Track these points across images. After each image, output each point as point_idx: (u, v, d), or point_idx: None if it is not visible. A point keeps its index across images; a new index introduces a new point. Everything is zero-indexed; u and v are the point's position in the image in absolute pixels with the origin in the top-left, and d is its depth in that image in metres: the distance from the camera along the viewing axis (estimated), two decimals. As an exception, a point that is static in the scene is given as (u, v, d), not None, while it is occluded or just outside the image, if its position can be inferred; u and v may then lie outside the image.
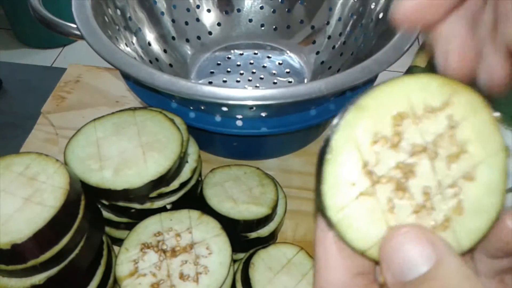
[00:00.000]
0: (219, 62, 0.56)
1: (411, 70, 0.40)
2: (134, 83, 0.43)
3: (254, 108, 0.38)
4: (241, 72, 0.55)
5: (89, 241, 0.33)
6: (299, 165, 0.49)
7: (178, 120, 0.38)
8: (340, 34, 0.53)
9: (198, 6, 0.57)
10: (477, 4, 0.18)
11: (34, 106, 0.54)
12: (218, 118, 0.40)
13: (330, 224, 0.16)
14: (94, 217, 0.34)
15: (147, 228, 0.34)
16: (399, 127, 0.16)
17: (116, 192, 0.33)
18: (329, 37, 0.54)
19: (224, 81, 0.54)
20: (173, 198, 0.37)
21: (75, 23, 0.40)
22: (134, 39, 0.50)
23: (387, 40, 0.39)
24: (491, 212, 0.17)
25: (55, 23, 0.42)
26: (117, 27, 0.47)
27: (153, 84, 0.35)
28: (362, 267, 0.17)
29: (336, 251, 0.17)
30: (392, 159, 0.16)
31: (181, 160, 0.36)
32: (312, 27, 0.56)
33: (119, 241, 0.38)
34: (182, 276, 0.32)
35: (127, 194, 0.34)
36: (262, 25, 0.59)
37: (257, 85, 0.53)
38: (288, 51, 0.57)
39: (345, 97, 0.41)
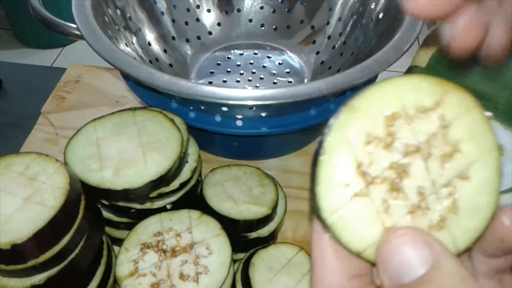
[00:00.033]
0: (219, 62, 0.56)
1: (411, 70, 0.40)
2: (134, 83, 0.43)
3: (254, 108, 0.38)
4: (241, 72, 0.55)
5: (89, 241, 0.33)
6: (299, 165, 0.49)
7: (178, 120, 0.38)
8: (340, 34, 0.53)
9: (198, 6, 0.57)
10: None
11: (34, 106, 0.54)
12: (218, 118, 0.40)
13: (325, 226, 0.16)
14: (94, 217, 0.34)
15: (147, 228, 0.34)
16: (392, 128, 0.16)
17: (116, 192, 0.33)
18: (329, 37, 0.54)
19: (224, 81, 0.54)
20: (173, 198, 0.37)
21: (75, 23, 0.40)
22: (134, 39, 0.50)
23: (387, 40, 0.39)
24: (486, 211, 0.17)
25: (55, 23, 0.42)
26: (117, 27, 0.47)
27: (153, 84, 0.35)
28: (358, 269, 0.17)
29: (332, 253, 0.17)
30: (386, 159, 0.16)
31: (181, 160, 0.36)
32: (312, 27, 0.56)
33: (119, 241, 0.38)
34: (182, 276, 0.32)
35: (127, 194, 0.34)
36: (262, 25, 0.59)
37: (257, 85, 0.53)
38: (288, 51, 0.57)
39: (345, 97, 0.41)
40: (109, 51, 0.37)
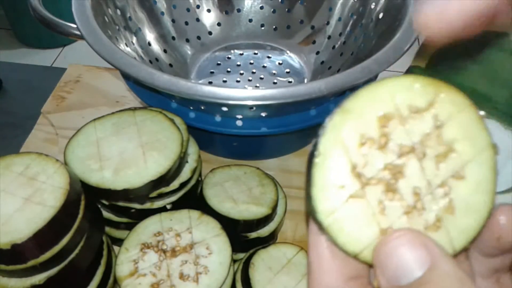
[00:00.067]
0: (219, 62, 0.56)
1: (411, 70, 0.40)
2: (134, 83, 0.43)
3: (254, 108, 0.38)
4: (241, 72, 0.55)
5: (89, 241, 0.33)
6: (299, 165, 0.49)
7: (178, 120, 0.38)
8: (340, 34, 0.53)
9: (198, 6, 0.57)
10: None
11: (34, 106, 0.54)
12: (218, 118, 0.40)
13: (321, 228, 0.16)
14: (94, 217, 0.34)
15: (147, 228, 0.34)
16: (386, 129, 0.16)
17: (116, 192, 0.33)
18: (329, 37, 0.54)
19: (224, 81, 0.54)
20: (173, 198, 0.37)
21: (75, 23, 0.40)
22: (134, 39, 0.50)
23: (387, 40, 0.39)
24: (482, 210, 0.17)
25: (55, 23, 0.42)
26: (117, 27, 0.47)
27: (153, 84, 0.35)
28: (355, 270, 0.17)
29: (329, 255, 0.17)
30: (380, 160, 0.16)
31: (181, 160, 0.36)
32: (312, 27, 0.56)
33: (119, 241, 0.38)
34: (182, 276, 0.32)
35: (127, 194, 0.34)
36: (262, 25, 0.59)
37: (257, 85, 0.53)
38: (288, 51, 0.57)
39: (345, 97, 0.41)
40: (109, 51, 0.37)
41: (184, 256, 0.33)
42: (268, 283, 0.35)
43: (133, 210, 0.36)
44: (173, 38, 0.55)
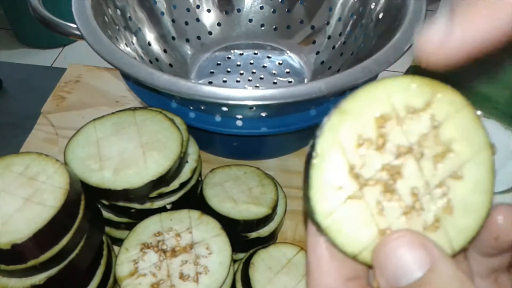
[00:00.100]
0: (219, 62, 0.56)
1: (411, 70, 0.40)
2: (134, 83, 0.43)
3: (254, 108, 0.38)
4: (241, 72, 0.55)
5: (89, 241, 0.33)
6: (299, 165, 0.49)
7: (178, 120, 0.38)
8: (340, 34, 0.53)
9: (198, 6, 0.57)
10: None
11: (34, 106, 0.54)
12: (218, 118, 0.40)
13: (320, 229, 0.16)
14: (94, 217, 0.34)
15: (147, 228, 0.34)
16: (383, 129, 0.16)
17: (116, 192, 0.33)
18: (329, 37, 0.54)
19: (224, 81, 0.54)
20: (173, 198, 0.37)
21: (75, 23, 0.40)
22: (134, 39, 0.50)
23: (387, 40, 0.39)
24: (481, 210, 0.17)
25: (55, 23, 0.42)
26: (117, 27, 0.47)
27: (153, 84, 0.35)
28: (354, 271, 0.17)
29: (327, 256, 0.17)
30: (378, 161, 0.16)
31: (181, 160, 0.36)
32: (312, 27, 0.56)
33: (119, 241, 0.38)
34: (182, 276, 0.32)
35: (127, 194, 0.34)
36: (262, 25, 0.59)
37: (257, 85, 0.53)
38: (288, 51, 0.57)
39: (344, 97, 0.41)
40: (109, 51, 0.37)
41: (184, 256, 0.33)
42: (268, 283, 0.35)
43: (133, 210, 0.36)
44: (173, 38, 0.55)
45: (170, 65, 0.53)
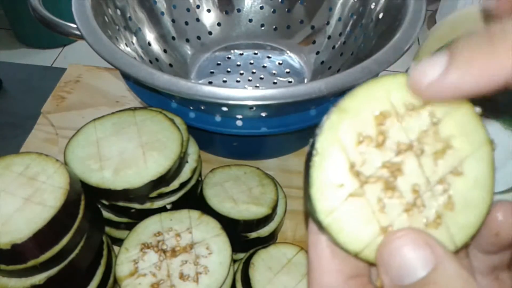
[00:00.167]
0: (219, 62, 0.56)
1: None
2: (134, 83, 0.43)
3: (254, 108, 0.38)
4: (241, 72, 0.55)
5: (89, 241, 0.33)
6: (299, 165, 0.49)
7: (178, 120, 0.38)
8: (340, 34, 0.53)
9: (198, 6, 0.57)
10: None
11: (34, 106, 0.54)
12: (218, 118, 0.40)
13: (321, 227, 0.16)
14: (94, 217, 0.34)
15: (147, 228, 0.34)
16: (383, 126, 0.16)
17: (116, 192, 0.33)
18: (329, 37, 0.54)
19: (224, 81, 0.54)
20: (173, 198, 0.37)
21: (75, 23, 0.40)
22: (134, 39, 0.50)
23: (387, 40, 0.39)
24: (482, 206, 0.17)
25: (55, 23, 0.42)
26: (117, 27, 0.47)
27: (153, 84, 0.35)
28: (356, 269, 0.17)
29: (329, 255, 0.17)
30: (378, 158, 0.16)
31: (181, 160, 0.36)
32: (312, 27, 0.56)
33: (119, 241, 0.38)
34: (182, 276, 0.32)
35: (127, 194, 0.34)
36: (262, 25, 0.59)
37: (257, 85, 0.53)
38: (288, 51, 0.57)
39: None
40: (109, 51, 0.37)
41: (184, 256, 0.33)
42: (268, 283, 0.35)
43: (133, 210, 0.36)
44: (173, 38, 0.55)
45: (170, 65, 0.53)
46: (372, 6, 0.48)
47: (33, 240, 0.28)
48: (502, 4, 0.18)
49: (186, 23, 0.56)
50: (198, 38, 0.57)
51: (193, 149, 0.39)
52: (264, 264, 0.36)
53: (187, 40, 0.56)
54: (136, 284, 0.31)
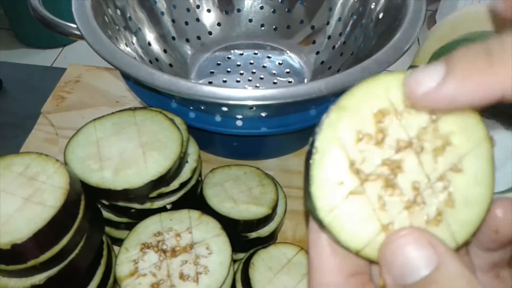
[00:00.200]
0: (219, 62, 0.56)
1: (411, 70, 0.40)
2: (134, 83, 0.43)
3: (254, 108, 0.38)
4: (241, 72, 0.55)
5: (89, 241, 0.33)
6: (299, 165, 0.49)
7: (178, 120, 0.38)
8: (340, 34, 0.53)
9: (198, 6, 0.57)
10: None
11: (34, 106, 0.54)
12: (218, 118, 0.40)
13: (322, 226, 0.16)
14: (94, 217, 0.34)
15: (147, 228, 0.34)
16: (382, 124, 0.16)
17: (116, 192, 0.33)
18: (329, 37, 0.54)
19: (224, 81, 0.54)
20: (173, 198, 0.37)
21: (75, 23, 0.40)
22: (134, 39, 0.50)
23: (387, 40, 0.39)
24: (482, 203, 0.17)
25: (55, 23, 0.42)
26: (117, 27, 0.47)
27: (153, 84, 0.35)
28: (356, 267, 0.17)
29: (329, 253, 0.17)
30: (378, 156, 0.16)
31: (181, 160, 0.36)
32: (312, 27, 0.56)
33: (119, 241, 0.38)
34: (182, 276, 0.32)
35: (127, 194, 0.34)
36: (262, 25, 0.59)
37: (257, 85, 0.53)
38: (288, 51, 0.57)
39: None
40: (109, 51, 0.37)
41: (184, 256, 0.33)
42: (268, 283, 0.35)
43: (133, 210, 0.36)
44: (173, 38, 0.55)
45: (170, 65, 0.53)
46: (372, 6, 0.48)
47: (33, 240, 0.28)
48: (510, 7, 0.18)
49: (186, 23, 0.56)
50: (198, 38, 0.57)
51: (193, 149, 0.39)
52: (264, 264, 0.36)
53: (187, 40, 0.56)
54: (136, 284, 0.31)
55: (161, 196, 0.36)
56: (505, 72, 0.14)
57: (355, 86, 0.17)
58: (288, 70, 0.55)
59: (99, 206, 0.37)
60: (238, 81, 0.54)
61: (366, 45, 0.48)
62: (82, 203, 0.32)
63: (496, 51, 0.14)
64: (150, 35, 0.52)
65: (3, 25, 1.69)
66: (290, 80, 0.54)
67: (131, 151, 0.35)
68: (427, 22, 1.66)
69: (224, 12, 0.58)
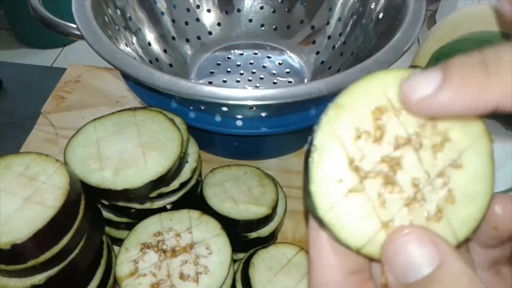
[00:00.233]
0: (219, 62, 0.56)
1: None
2: (134, 83, 0.43)
3: (254, 108, 0.38)
4: (241, 72, 0.55)
5: (89, 241, 0.33)
6: (299, 165, 0.49)
7: (178, 120, 0.38)
8: (340, 34, 0.53)
9: (198, 6, 0.57)
10: None
11: (34, 106, 0.54)
12: (218, 118, 0.40)
13: (321, 224, 0.16)
14: (94, 217, 0.34)
15: (147, 228, 0.34)
16: (380, 121, 0.16)
17: (116, 192, 0.33)
18: (329, 37, 0.54)
19: (224, 81, 0.54)
20: (173, 198, 0.37)
21: (75, 23, 0.40)
22: (134, 39, 0.50)
23: (387, 40, 0.39)
24: (482, 199, 0.17)
25: (55, 23, 0.42)
26: (117, 27, 0.47)
27: (153, 84, 0.35)
28: (356, 265, 0.17)
29: (329, 251, 0.17)
30: (377, 153, 0.16)
31: (181, 160, 0.36)
32: (312, 27, 0.56)
33: (119, 241, 0.38)
34: (182, 276, 0.32)
35: (127, 194, 0.34)
36: (262, 25, 0.59)
37: (257, 85, 0.53)
38: (288, 51, 0.57)
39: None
40: (109, 51, 0.37)
41: (184, 256, 0.33)
42: (268, 283, 0.35)
43: (133, 210, 0.36)
44: (173, 38, 0.55)
45: (170, 65, 0.53)
46: (372, 6, 0.48)
47: (33, 240, 0.28)
48: None
49: (186, 23, 0.56)
50: (198, 38, 0.57)
51: (193, 149, 0.39)
52: (264, 264, 0.36)
53: (187, 40, 0.56)
54: (136, 284, 0.31)
55: (161, 196, 0.36)
56: (500, 84, 0.14)
57: (352, 84, 0.17)
58: (288, 70, 0.55)
59: (99, 206, 0.37)
60: (238, 81, 0.54)
61: (366, 45, 0.48)
62: (82, 203, 0.32)
63: (492, 63, 0.14)
64: (150, 35, 0.52)
65: (3, 25, 1.69)
66: (290, 80, 0.54)
67: (131, 151, 0.35)
68: (427, 22, 1.66)
69: (224, 12, 0.58)
